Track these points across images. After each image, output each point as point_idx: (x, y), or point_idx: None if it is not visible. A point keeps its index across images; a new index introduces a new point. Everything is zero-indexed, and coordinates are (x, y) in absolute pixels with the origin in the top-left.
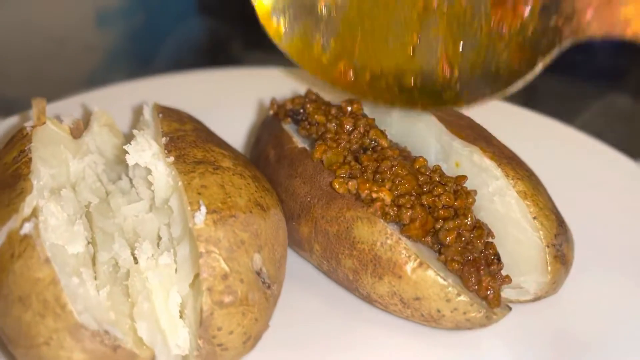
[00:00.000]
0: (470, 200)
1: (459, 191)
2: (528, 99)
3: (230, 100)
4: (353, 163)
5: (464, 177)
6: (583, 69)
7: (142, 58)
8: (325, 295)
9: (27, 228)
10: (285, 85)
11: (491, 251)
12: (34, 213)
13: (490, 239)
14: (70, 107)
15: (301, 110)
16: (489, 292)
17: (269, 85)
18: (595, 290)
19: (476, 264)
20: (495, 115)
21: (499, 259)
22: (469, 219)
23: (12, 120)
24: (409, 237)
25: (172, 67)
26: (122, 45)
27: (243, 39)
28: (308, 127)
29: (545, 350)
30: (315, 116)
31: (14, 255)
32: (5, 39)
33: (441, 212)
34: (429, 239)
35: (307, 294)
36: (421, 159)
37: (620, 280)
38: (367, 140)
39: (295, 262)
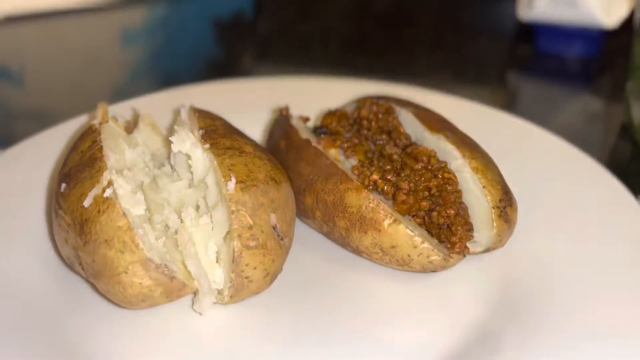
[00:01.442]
0: (454, 191)
1: (447, 179)
2: (509, 101)
3: (246, 107)
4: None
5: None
6: (556, 74)
7: (163, 73)
8: (325, 251)
9: (108, 192)
10: (292, 93)
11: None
12: (110, 184)
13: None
14: (118, 111)
15: (324, 128)
16: (459, 245)
17: (278, 93)
18: (536, 247)
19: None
20: (468, 113)
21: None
22: (453, 210)
23: (81, 119)
24: (396, 211)
25: (190, 80)
26: (145, 61)
27: (254, 54)
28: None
29: (494, 291)
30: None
31: (100, 211)
32: (45, 57)
33: (428, 202)
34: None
35: (311, 250)
36: (422, 148)
37: (559, 239)
38: (388, 125)
39: (301, 229)
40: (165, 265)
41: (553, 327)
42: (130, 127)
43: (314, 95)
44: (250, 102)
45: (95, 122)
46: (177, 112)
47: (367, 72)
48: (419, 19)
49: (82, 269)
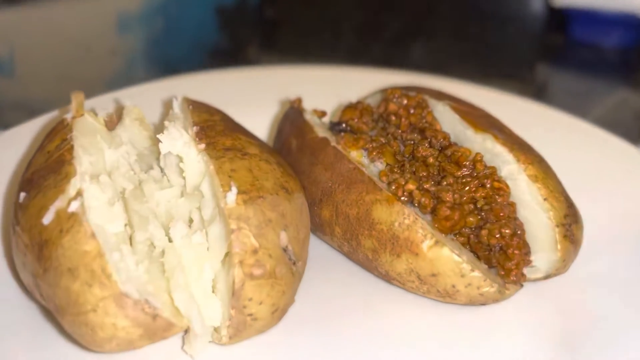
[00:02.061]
0: (507, 204)
1: (498, 189)
2: (539, 95)
3: (251, 98)
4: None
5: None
6: (592, 66)
7: (162, 61)
8: (346, 275)
9: (74, 206)
10: (304, 83)
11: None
12: (79, 194)
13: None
14: (102, 103)
15: (343, 125)
16: (515, 272)
17: (288, 83)
18: (603, 271)
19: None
20: (509, 110)
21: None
22: (509, 229)
23: (52, 115)
24: (437, 229)
25: (191, 69)
26: (143, 49)
27: (259, 42)
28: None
29: (555, 326)
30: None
31: (62, 230)
32: (35, 43)
33: (476, 218)
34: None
35: (328, 274)
36: (465, 150)
37: (629, 262)
38: (422, 122)
39: (316, 246)
40: (147, 300)
41: None
42: (113, 122)
43: (330, 86)
44: (256, 93)
45: (68, 116)
46: (168, 105)
47: (384, 63)
48: (438, 7)
49: (43, 299)
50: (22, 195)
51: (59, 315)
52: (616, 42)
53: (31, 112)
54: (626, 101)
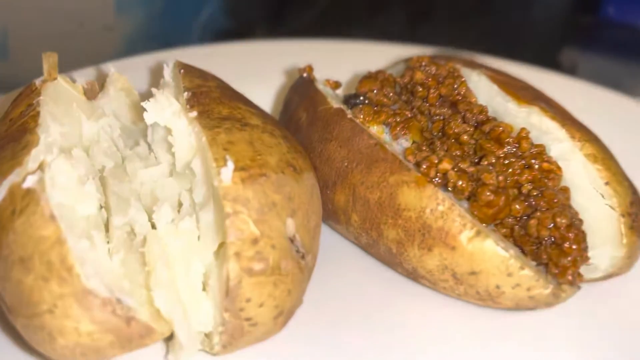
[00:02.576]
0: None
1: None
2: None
3: (254, 71)
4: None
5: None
6: (626, 48)
7: (162, 41)
8: (363, 273)
9: (30, 181)
10: (314, 55)
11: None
12: (40, 168)
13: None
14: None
15: (361, 97)
16: (571, 271)
17: (296, 56)
18: None
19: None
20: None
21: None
22: (564, 218)
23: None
24: (477, 218)
25: None
26: (142, 27)
27: (267, 23)
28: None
29: (616, 336)
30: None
31: (15, 211)
32: (28, 18)
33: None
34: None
35: (342, 272)
36: (506, 126)
37: None
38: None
39: (328, 238)
40: (118, 300)
41: None
42: (94, 91)
43: (344, 59)
44: (259, 66)
45: (38, 80)
46: (157, 72)
47: (404, 39)
48: None
49: None
50: None
51: (12, 315)
52: None
53: None
54: None
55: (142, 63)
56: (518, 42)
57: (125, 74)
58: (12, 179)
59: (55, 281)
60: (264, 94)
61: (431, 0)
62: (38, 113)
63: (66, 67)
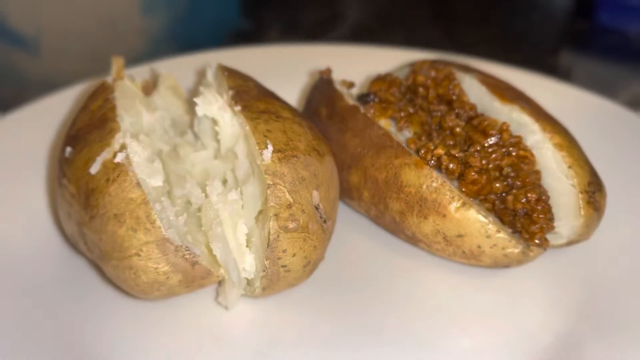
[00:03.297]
0: (533, 171)
1: (523, 157)
2: (563, 80)
3: (281, 72)
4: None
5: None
6: (618, 52)
7: (185, 42)
8: (373, 239)
9: (120, 157)
10: (332, 59)
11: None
12: (123, 148)
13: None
14: (137, 73)
15: (371, 96)
16: (539, 235)
17: (316, 59)
18: (626, 240)
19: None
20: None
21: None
22: (534, 194)
23: (87, 83)
24: (464, 193)
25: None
26: (167, 29)
27: (281, 25)
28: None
29: (576, 294)
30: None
31: (109, 179)
32: (65, 20)
33: (502, 184)
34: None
35: (356, 237)
36: (492, 120)
37: None
38: (449, 93)
39: (344, 212)
40: (187, 247)
41: None
42: (149, 88)
43: (357, 62)
44: (284, 67)
45: (109, 78)
46: (201, 74)
47: (407, 45)
48: None
49: (87, 248)
50: (68, 150)
51: (104, 260)
52: None
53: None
54: None
55: (184, 63)
56: (516, 46)
57: (169, 71)
58: (104, 155)
59: (142, 231)
60: (290, 92)
61: (436, 10)
62: (115, 106)
63: (102, 64)
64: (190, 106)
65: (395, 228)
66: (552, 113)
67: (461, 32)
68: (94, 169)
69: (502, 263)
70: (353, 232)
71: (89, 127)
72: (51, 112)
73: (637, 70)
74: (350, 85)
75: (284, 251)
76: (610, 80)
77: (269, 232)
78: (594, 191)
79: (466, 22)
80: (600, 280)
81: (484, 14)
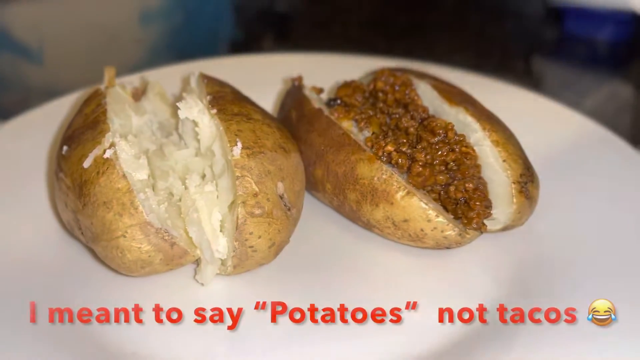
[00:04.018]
0: (473, 165)
1: (466, 153)
2: (535, 87)
3: (258, 79)
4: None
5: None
6: (586, 59)
7: (181, 52)
8: (335, 226)
9: (108, 154)
10: (306, 67)
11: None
12: (112, 146)
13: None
14: (127, 82)
15: (338, 100)
16: (476, 220)
17: (291, 67)
18: (558, 227)
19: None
20: (493, 94)
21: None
22: (472, 184)
23: (85, 90)
24: (411, 184)
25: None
26: (164, 40)
27: (273, 35)
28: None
29: (511, 272)
30: (350, 100)
31: (99, 172)
32: (67, 31)
33: (445, 176)
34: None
35: (320, 225)
36: (440, 121)
37: (582, 219)
38: (405, 98)
39: (311, 203)
40: (166, 230)
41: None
42: (138, 95)
43: (329, 70)
44: (262, 76)
45: (102, 86)
46: (186, 81)
47: (387, 54)
48: (442, 1)
49: (82, 233)
50: (65, 148)
51: (95, 242)
52: (608, 36)
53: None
54: (617, 93)
55: (171, 72)
56: (489, 53)
57: (158, 79)
58: (95, 152)
59: (127, 216)
60: (268, 97)
61: (415, 20)
62: (105, 110)
63: (102, 73)
64: (175, 112)
65: (353, 216)
66: (508, 115)
67: (434, 40)
68: (87, 163)
69: (443, 244)
70: (318, 220)
71: (83, 128)
72: (51, 117)
73: (604, 76)
74: (320, 91)
75: (251, 233)
76: (579, 84)
77: (237, 217)
78: (526, 182)
79: (441, 31)
80: (532, 261)
81: (458, 23)
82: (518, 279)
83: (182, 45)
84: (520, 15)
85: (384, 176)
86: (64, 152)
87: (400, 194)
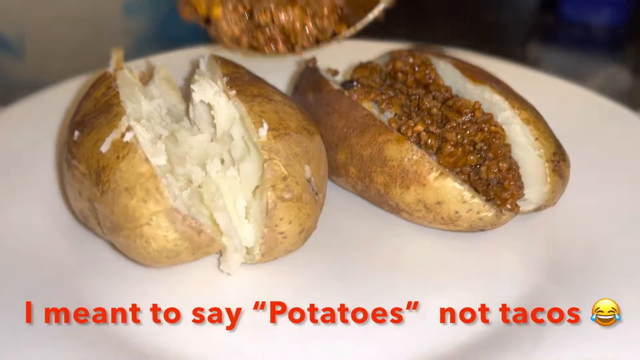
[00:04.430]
0: (503, 144)
1: (495, 132)
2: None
3: (269, 62)
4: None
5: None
6: (582, 44)
7: (170, 41)
8: (359, 211)
9: (128, 136)
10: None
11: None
12: (129, 129)
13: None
14: (133, 66)
15: (355, 82)
16: (510, 201)
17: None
18: (586, 205)
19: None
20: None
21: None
22: (505, 164)
23: (86, 76)
24: (440, 164)
25: None
26: (151, 30)
27: None
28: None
29: (544, 253)
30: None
31: (119, 157)
32: (51, 22)
33: (476, 157)
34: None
35: (344, 210)
36: (465, 100)
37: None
38: (426, 78)
39: (332, 189)
40: (193, 217)
41: (604, 292)
42: (145, 79)
43: (340, 53)
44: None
45: (110, 68)
46: (194, 64)
47: (384, 39)
48: None
49: (98, 223)
50: (76, 133)
51: (116, 232)
52: (604, 20)
53: None
54: (614, 77)
55: (176, 56)
56: (486, 40)
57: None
58: (113, 136)
59: (152, 202)
60: (279, 79)
61: (410, 7)
62: (117, 93)
63: (88, 64)
64: (184, 97)
65: (380, 200)
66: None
67: (433, 27)
68: (104, 148)
69: (478, 226)
70: (341, 206)
71: (95, 113)
72: (53, 104)
73: (599, 60)
74: (335, 73)
75: (281, 219)
76: (575, 70)
77: (267, 202)
78: (558, 160)
79: (437, 17)
80: (565, 242)
81: (455, 9)
82: (549, 262)
83: (170, 35)
84: (517, 1)
85: (414, 157)
86: (75, 138)
87: (433, 174)
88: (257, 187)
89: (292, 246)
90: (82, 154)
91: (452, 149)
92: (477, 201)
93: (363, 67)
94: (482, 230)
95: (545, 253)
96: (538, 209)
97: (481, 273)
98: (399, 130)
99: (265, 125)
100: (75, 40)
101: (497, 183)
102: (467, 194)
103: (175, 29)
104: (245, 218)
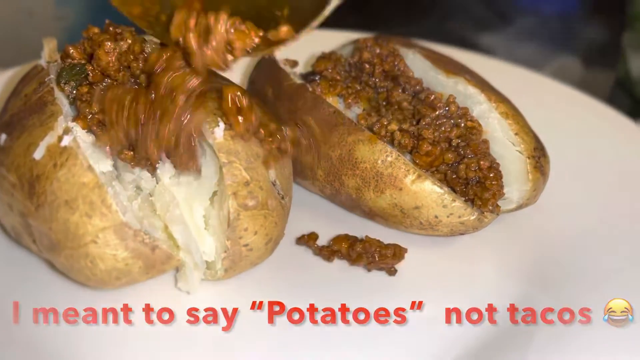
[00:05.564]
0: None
1: (472, 127)
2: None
3: None
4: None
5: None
6: (535, 33)
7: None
8: (329, 216)
9: (66, 140)
10: None
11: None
12: (67, 131)
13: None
14: None
15: (317, 75)
16: (492, 201)
17: None
18: (567, 204)
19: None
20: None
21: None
22: (486, 162)
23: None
24: (416, 164)
25: None
26: (86, 17)
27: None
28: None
29: (526, 254)
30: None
31: (56, 164)
32: None
33: (454, 154)
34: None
35: (312, 216)
36: (439, 94)
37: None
38: (395, 69)
39: (297, 193)
40: (145, 231)
41: (590, 291)
42: None
43: (298, 43)
44: None
45: (42, 61)
46: None
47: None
48: None
49: (33, 241)
50: (3, 137)
51: (55, 251)
52: (557, 9)
53: None
54: (567, 67)
55: None
56: (440, 28)
57: None
58: (48, 140)
59: (98, 217)
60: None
61: None
62: (52, 89)
63: (19, 53)
64: None
65: (351, 204)
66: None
67: (383, 15)
68: (38, 154)
69: (459, 231)
70: (309, 211)
71: (25, 112)
72: None
73: (553, 49)
74: (294, 63)
75: (246, 229)
76: (529, 58)
77: (228, 212)
78: (539, 156)
79: (388, 5)
80: (547, 241)
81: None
82: (532, 263)
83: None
84: None
85: (389, 158)
86: (2, 143)
87: (410, 177)
88: (214, 192)
89: (258, 259)
90: (10, 161)
91: (430, 147)
92: (458, 204)
93: (326, 59)
94: (462, 234)
95: (527, 254)
96: (518, 208)
97: (461, 278)
98: (370, 129)
99: (222, 124)
100: (5, 27)
101: (477, 182)
102: (448, 197)
103: (111, 17)
104: (205, 229)
